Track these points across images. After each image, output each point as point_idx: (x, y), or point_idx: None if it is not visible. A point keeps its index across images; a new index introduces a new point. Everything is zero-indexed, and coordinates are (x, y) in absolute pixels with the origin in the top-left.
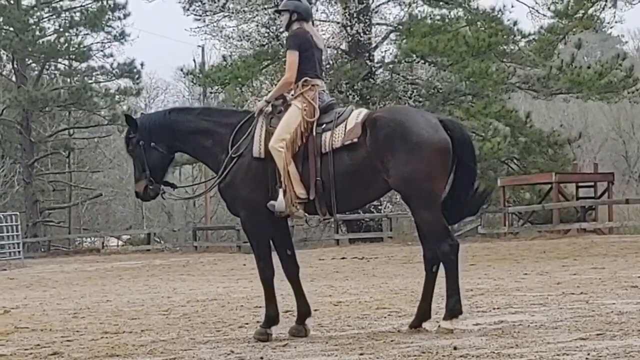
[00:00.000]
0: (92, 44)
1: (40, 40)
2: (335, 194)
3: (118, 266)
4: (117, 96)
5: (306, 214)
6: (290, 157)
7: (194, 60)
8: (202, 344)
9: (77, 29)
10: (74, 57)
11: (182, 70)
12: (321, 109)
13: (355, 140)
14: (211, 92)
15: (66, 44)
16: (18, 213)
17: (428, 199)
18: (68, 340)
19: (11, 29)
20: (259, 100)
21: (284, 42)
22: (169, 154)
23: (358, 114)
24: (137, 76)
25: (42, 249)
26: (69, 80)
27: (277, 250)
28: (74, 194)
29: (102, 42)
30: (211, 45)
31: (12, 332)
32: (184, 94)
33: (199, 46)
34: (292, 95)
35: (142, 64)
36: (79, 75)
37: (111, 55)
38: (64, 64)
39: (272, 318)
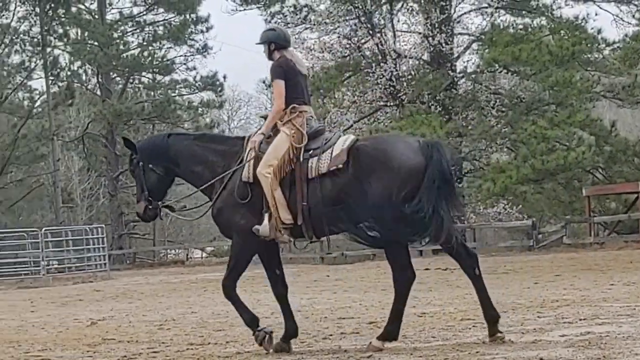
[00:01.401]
0: (175, 57)
1: (125, 54)
2: (322, 218)
3: (202, 278)
4: (200, 109)
5: (291, 238)
6: (276, 182)
7: None
8: (287, 356)
9: (160, 43)
10: (157, 70)
11: (264, 82)
12: (309, 134)
13: (341, 166)
14: None
15: (150, 58)
16: (104, 225)
17: (392, 222)
18: (154, 352)
19: (96, 43)
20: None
21: (363, 53)
22: (167, 176)
23: (345, 141)
24: (219, 89)
25: (128, 261)
26: (152, 93)
27: (266, 270)
28: None
29: (185, 55)
30: None
31: (99, 344)
32: (266, 106)
33: None
34: (281, 122)
35: (224, 77)
36: (162, 89)
37: (194, 68)
38: (147, 78)
39: (251, 322)
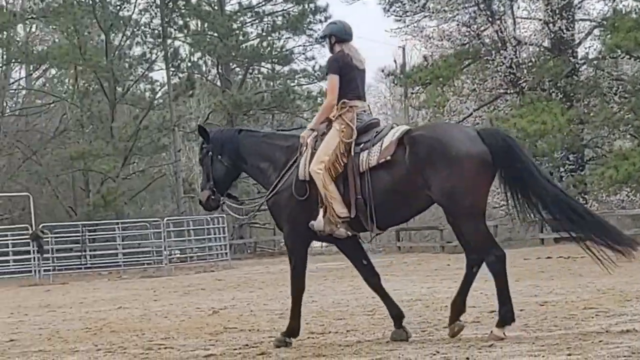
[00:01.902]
0: (294, 47)
1: (244, 45)
2: (377, 210)
3: (322, 267)
4: (319, 98)
5: (349, 232)
6: (329, 178)
7: (395, 61)
8: (407, 345)
9: (279, 33)
10: (276, 60)
11: (382, 71)
12: (360, 129)
13: (389, 158)
14: (412, 93)
15: (269, 48)
16: (224, 215)
17: (470, 212)
18: None
19: (215, 34)
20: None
21: (483, 41)
22: (234, 170)
23: (395, 132)
24: None
25: (249, 250)
26: (271, 83)
27: (353, 263)
28: None
29: (304, 45)
30: (412, 45)
31: (221, 333)
32: (385, 94)
33: (399, 47)
34: (333, 117)
35: None
36: (281, 79)
37: (313, 58)
38: (266, 68)
39: (293, 330)
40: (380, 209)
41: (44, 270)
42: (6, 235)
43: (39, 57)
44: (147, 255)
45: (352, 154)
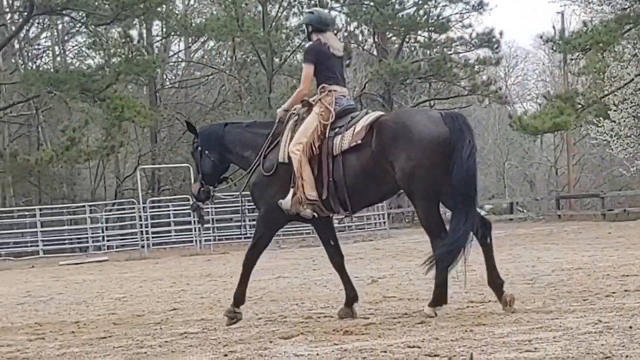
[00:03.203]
0: (450, 15)
1: (400, 14)
2: (347, 193)
3: None
4: (476, 66)
5: (315, 214)
6: (305, 159)
7: (554, 27)
8: (568, 313)
9: (435, 1)
10: (433, 28)
11: (541, 37)
12: (337, 113)
13: (360, 141)
14: (571, 59)
15: (425, 16)
16: None
17: (427, 193)
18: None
19: (372, 3)
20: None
21: None
22: (221, 163)
23: (367, 118)
24: (496, 45)
25: (407, 220)
26: (428, 52)
27: (322, 241)
28: None
29: (461, 13)
30: (571, 11)
31: (380, 301)
32: (543, 61)
33: (558, 12)
34: (314, 102)
35: (500, 33)
36: (438, 47)
37: (470, 26)
38: (423, 36)
39: (237, 299)
40: (351, 191)
41: (205, 240)
42: (168, 206)
43: (198, 30)
44: (305, 225)
45: (327, 137)
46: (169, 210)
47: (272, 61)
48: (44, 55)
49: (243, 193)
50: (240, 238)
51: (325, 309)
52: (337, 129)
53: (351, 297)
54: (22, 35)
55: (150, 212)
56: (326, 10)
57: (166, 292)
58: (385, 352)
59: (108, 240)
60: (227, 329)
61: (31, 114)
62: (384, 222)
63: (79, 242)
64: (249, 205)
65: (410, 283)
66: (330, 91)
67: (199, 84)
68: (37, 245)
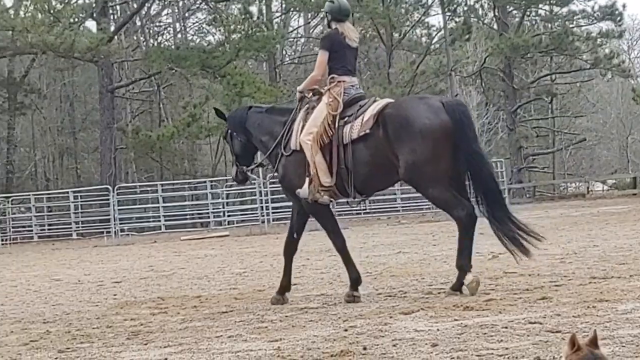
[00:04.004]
0: None
1: None
2: (356, 179)
3: (604, 211)
4: (598, 39)
5: (332, 199)
6: (317, 148)
7: None
8: None
9: None
10: (554, 1)
11: None
12: (345, 102)
13: (368, 131)
14: None
15: None
16: (503, 160)
17: (432, 179)
18: (556, 285)
19: None
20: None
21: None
22: (249, 144)
23: (375, 107)
24: (618, 18)
25: (527, 195)
26: (549, 25)
27: (292, 226)
28: (557, 140)
29: None
30: None
31: (500, 277)
32: None
33: None
34: (324, 91)
35: (623, 6)
36: (559, 20)
37: None
38: (544, 9)
39: (354, 279)
40: (359, 177)
41: None
42: None
43: (317, 5)
44: (425, 201)
45: (337, 126)
46: None
47: (391, 36)
48: (165, 32)
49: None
50: (360, 214)
51: (445, 285)
52: (346, 118)
53: (285, 286)
54: (143, 12)
55: (270, 187)
56: (346, 1)
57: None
58: (506, 328)
59: (229, 216)
60: (347, 304)
61: (153, 90)
62: (505, 198)
63: (200, 218)
64: None
65: (531, 259)
66: (339, 82)
67: None
68: (159, 221)
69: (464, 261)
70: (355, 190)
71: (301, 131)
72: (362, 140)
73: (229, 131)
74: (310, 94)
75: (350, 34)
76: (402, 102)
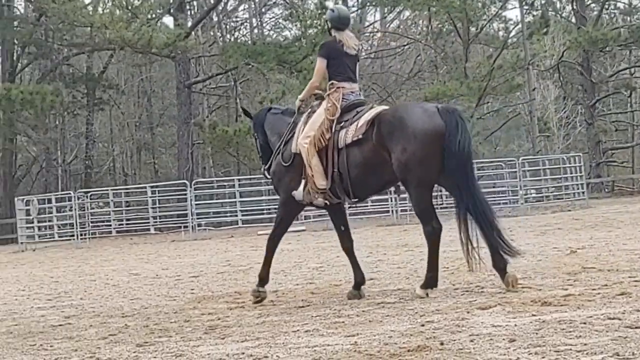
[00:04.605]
0: None
1: None
2: (351, 183)
3: None
4: None
5: (327, 202)
6: (313, 151)
7: None
8: None
9: None
10: None
11: None
12: (344, 108)
13: (361, 136)
14: None
15: None
16: (581, 154)
17: (419, 182)
18: (635, 281)
19: None
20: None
21: None
22: (267, 144)
23: (370, 113)
24: None
25: (606, 189)
26: (628, 18)
27: (334, 226)
28: (637, 134)
29: None
30: None
31: (579, 272)
32: None
33: None
34: (324, 97)
35: None
36: (639, 13)
37: None
38: (623, 2)
39: (263, 279)
40: (354, 181)
41: (401, 210)
42: None
43: (393, 0)
44: (503, 195)
45: (333, 130)
46: None
47: (468, 30)
48: (242, 27)
49: None
50: (437, 208)
51: (523, 280)
52: (342, 123)
53: (358, 281)
54: (220, 8)
55: None
56: (346, 9)
57: (363, 262)
58: (584, 323)
59: (305, 210)
60: (424, 299)
61: (229, 85)
62: (583, 192)
63: (276, 212)
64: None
65: (610, 254)
66: (338, 88)
67: (395, 54)
68: (236, 215)
69: (432, 272)
70: (349, 193)
71: (301, 134)
72: (356, 145)
73: (252, 131)
74: (313, 98)
75: (348, 42)
76: (399, 106)
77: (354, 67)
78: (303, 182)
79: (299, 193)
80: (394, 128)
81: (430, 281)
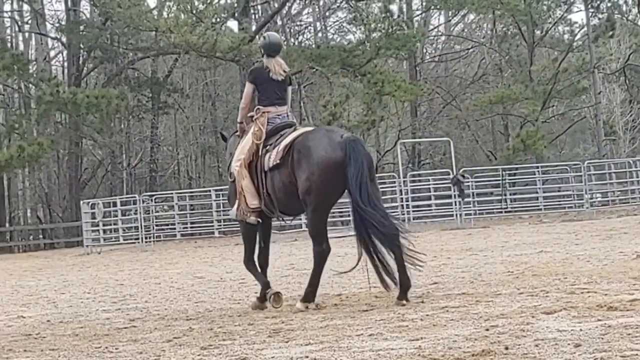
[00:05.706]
0: None
1: None
2: (278, 204)
3: None
4: None
5: (259, 220)
6: (245, 173)
7: None
8: None
9: None
10: None
11: None
12: (269, 132)
13: (279, 161)
14: None
15: None
16: None
17: (316, 207)
18: None
19: None
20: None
21: None
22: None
23: (290, 137)
24: None
25: None
26: None
27: (258, 239)
28: None
29: None
30: None
31: None
32: None
33: None
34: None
35: None
36: None
37: None
38: None
39: (263, 284)
40: (279, 202)
41: (465, 214)
42: (428, 180)
43: (458, 3)
44: (568, 199)
45: (260, 154)
46: (429, 184)
47: (533, 33)
48: (306, 31)
49: (504, 167)
50: (501, 212)
51: (588, 284)
52: (268, 147)
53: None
54: (284, 12)
55: (410, 186)
56: (277, 36)
57: (427, 266)
58: None
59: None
60: (489, 304)
61: (293, 89)
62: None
63: (341, 216)
64: (509, 179)
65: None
66: (264, 112)
67: (459, 57)
68: (300, 219)
69: (311, 288)
70: (279, 211)
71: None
72: (276, 169)
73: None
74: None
75: (275, 68)
76: (310, 133)
77: (282, 92)
78: (236, 201)
79: (232, 212)
80: (301, 156)
81: (309, 295)
